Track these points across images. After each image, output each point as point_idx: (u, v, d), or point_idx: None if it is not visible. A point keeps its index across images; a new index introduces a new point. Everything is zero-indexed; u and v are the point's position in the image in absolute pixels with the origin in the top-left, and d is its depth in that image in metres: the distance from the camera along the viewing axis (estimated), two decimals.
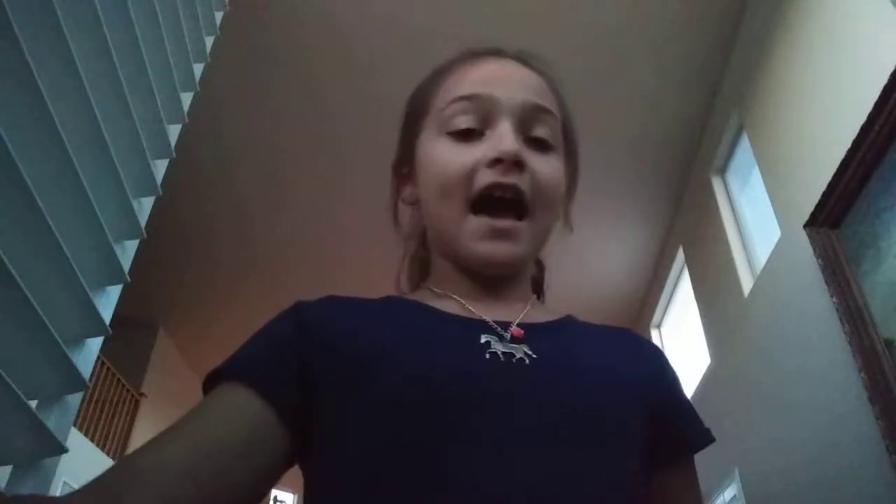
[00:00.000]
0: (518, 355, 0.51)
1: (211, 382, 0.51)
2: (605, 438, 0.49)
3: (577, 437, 0.47)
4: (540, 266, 0.69)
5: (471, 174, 0.56)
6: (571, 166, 0.65)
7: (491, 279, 0.59)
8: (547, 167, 0.58)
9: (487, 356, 0.50)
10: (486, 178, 0.55)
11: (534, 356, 0.51)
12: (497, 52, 0.64)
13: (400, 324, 0.54)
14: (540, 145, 0.58)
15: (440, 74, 0.64)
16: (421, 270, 0.67)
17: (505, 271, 0.59)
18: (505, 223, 0.55)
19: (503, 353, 0.51)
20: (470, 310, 0.56)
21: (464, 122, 0.58)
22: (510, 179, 0.55)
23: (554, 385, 0.50)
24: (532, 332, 0.54)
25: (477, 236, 0.56)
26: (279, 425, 0.48)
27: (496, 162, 0.55)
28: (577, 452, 0.47)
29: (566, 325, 0.60)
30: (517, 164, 0.55)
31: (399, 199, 0.67)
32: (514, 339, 0.53)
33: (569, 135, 0.65)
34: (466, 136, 0.57)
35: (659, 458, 0.53)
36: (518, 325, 0.54)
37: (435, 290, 0.61)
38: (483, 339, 0.52)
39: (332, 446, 0.48)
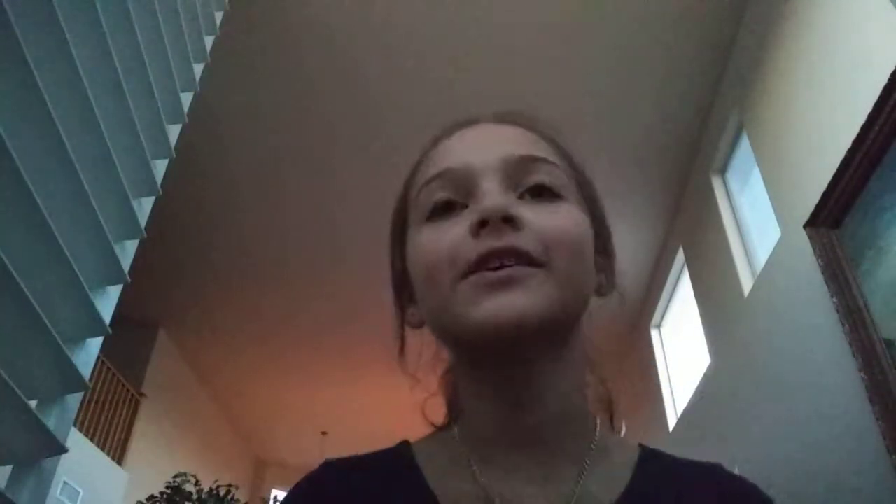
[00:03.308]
0: None
1: None
2: None
3: None
4: (604, 387, 0.53)
5: (454, 251, 0.43)
6: (597, 225, 0.52)
7: (524, 408, 0.44)
8: (556, 217, 0.44)
9: None
10: (471, 252, 0.42)
11: None
12: (471, 122, 0.53)
13: None
14: (542, 196, 0.46)
15: (415, 167, 0.53)
16: (449, 405, 0.54)
17: (520, 341, 0.42)
18: (506, 271, 0.41)
19: None
20: (486, 497, 0.43)
21: (440, 196, 0.47)
22: (504, 242, 0.42)
23: None
24: None
25: (471, 297, 0.41)
26: None
27: (482, 226, 0.42)
28: None
29: (637, 497, 0.44)
30: (508, 221, 0.42)
31: (405, 323, 0.54)
32: None
33: (584, 185, 0.52)
34: (447, 212, 0.46)
35: None
36: None
37: (457, 438, 0.49)
38: None
39: None
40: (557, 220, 0.44)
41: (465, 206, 0.45)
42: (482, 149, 0.48)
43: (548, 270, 0.42)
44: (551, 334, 0.43)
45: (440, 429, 0.53)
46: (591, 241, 0.47)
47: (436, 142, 0.53)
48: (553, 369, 0.45)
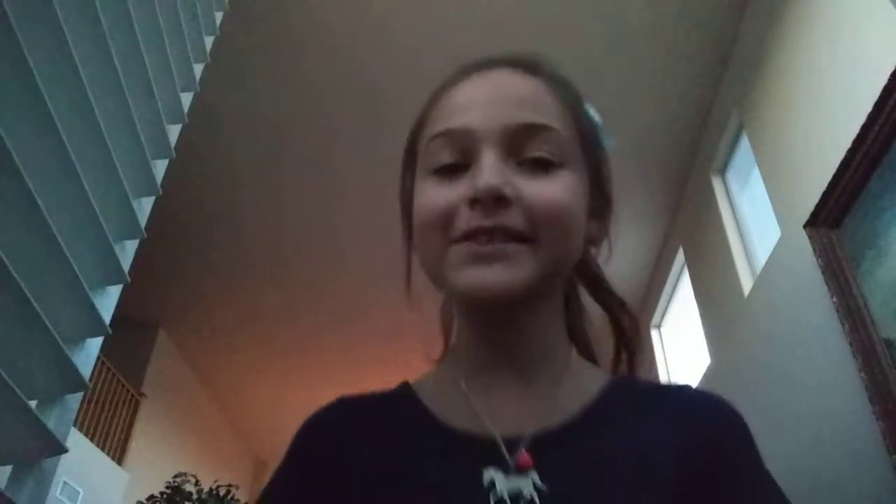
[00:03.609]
0: (526, 494, 0.44)
1: None
2: None
3: None
4: (577, 309, 0.59)
5: (449, 216, 0.47)
6: (597, 179, 0.55)
7: (507, 341, 0.51)
8: (547, 190, 0.48)
9: None
10: (465, 222, 0.47)
11: (544, 488, 0.45)
12: (483, 65, 0.54)
13: (395, 464, 0.50)
14: (540, 166, 0.49)
15: (427, 108, 0.56)
16: (445, 334, 0.60)
17: (503, 306, 0.48)
18: (491, 248, 0.46)
19: (510, 495, 0.44)
20: (479, 415, 0.50)
21: (444, 157, 0.50)
22: (492, 221, 0.46)
23: None
24: (548, 450, 0.47)
25: (459, 265, 0.47)
26: None
27: (474, 202, 0.46)
28: None
29: (595, 415, 0.50)
30: (499, 201, 0.46)
31: (412, 253, 0.57)
32: (522, 468, 0.46)
33: (587, 143, 0.54)
34: (452, 171, 0.50)
35: None
36: (534, 439, 0.48)
37: (452, 366, 0.55)
38: (486, 479, 0.45)
39: None
40: (550, 193, 0.48)
41: (468, 167, 0.49)
42: (486, 110, 0.50)
43: (533, 245, 0.47)
44: (531, 298, 0.49)
45: (438, 361, 0.59)
46: (581, 206, 0.51)
47: (446, 87, 0.55)
48: (533, 314, 0.51)
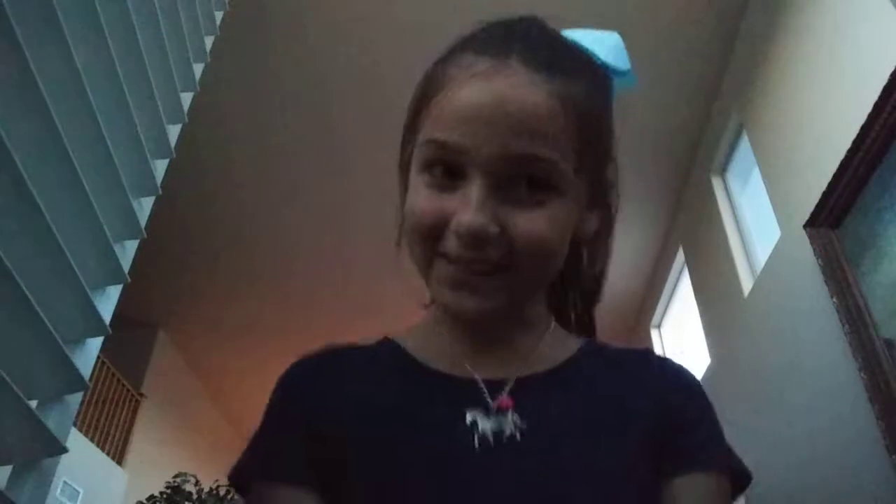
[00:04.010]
0: (507, 431, 0.49)
1: (242, 480, 0.55)
2: None
3: None
4: (561, 286, 0.62)
5: (438, 230, 0.49)
6: (597, 197, 0.56)
7: (490, 325, 0.56)
8: (532, 224, 0.48)
9: (476, 443, 0.49)
10: (450, 246, 0.49)
11: (523, 427, 0.49)
12: (500, 54, 0.50)
13: (383, 405, 0.53)
14: (531, 191, 0.49)
15: (434, 82, 0.54)
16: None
17: (476, 323, 0.54)
18: (471, 278, 0.49)
19: (492, 432, 0.49)
20: (461, 361, 0.54)
21: (436, 170, 0.50)
22: (473, 254, 0.48)
23: (543, 467, 0.48)
24: (527, 394, 0.52)
25: (441, 285, 0.50)
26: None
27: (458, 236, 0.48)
28: None
29: (574, 370, 0.55)
30: (482, 238, 0.47)
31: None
32: (502, 409, 0.50)
33: (591, 150, 0.52)
34: (445, 174, 0.50)
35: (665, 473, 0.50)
36: (515, 384, 0.52)
37: (437, 320, 0.58)
38: (469, 419, 0.50)
39: None
40: (535, 228, 0.48)
41: (464, 177, 0.49)
42: (486, 129, 0.48)
43: (510, 273, 0.49)
44: (509, 314, 0.54)
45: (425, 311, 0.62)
46: (568, 232, 0.53)
47: (453, 75, 0.51)
48: (513, 313, 0.56)
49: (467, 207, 0.47)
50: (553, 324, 0.60)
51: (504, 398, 0.51)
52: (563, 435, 0.50)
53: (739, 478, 0.54)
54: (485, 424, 0.49)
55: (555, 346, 0.57)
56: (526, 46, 0.51)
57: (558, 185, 0.49)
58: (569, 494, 0.47)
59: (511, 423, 0.49)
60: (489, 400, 0.51)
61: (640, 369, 0.57)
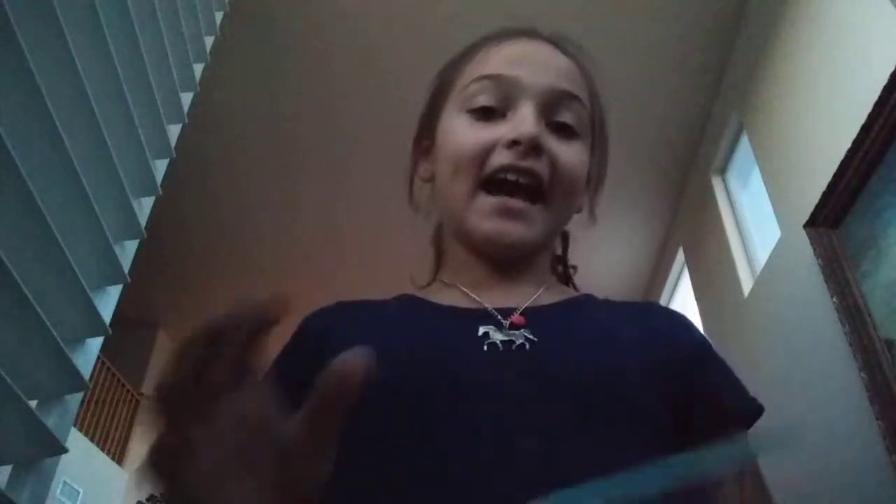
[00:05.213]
0: (518, 341, 0.50)
1: None
2: (611, 417, 0.46)
3: (579, 416, 0.46)
4: (565, 242, 0.68)
5: (485, 153, 0.55)
6: (599, 158, 0.64)
7: (502, 263, 0.58)
8: (569, 154, 0.56)
9: (485, 347, 0.50)
10: (501, 158, 0.54)
11: (535, 339, 0.50)
12: (530, 33, 0.62)
13: (397, 325, 0.55)
14: (564, 131, 0.57)
15: (469, 52, 0.63)
16: (438, 260, 0.67)
17: (512, 253, 0.57)
18: (518, 203, 0.54)
19: (502, 341, 0.50)
20: (475, 299, 0.56)
21: (484, 100, 0.56)
22: (526, 163, 0.53)
23: (555, 365, 0.49)
24: (536, 316, 0.53)
25: (486, 214, 0.54)
26: None
27: (514, 144, 0.53)
28: (579, 433, 0.45)
29: (580, 304, 0.59)
30: (535, 149, 0.53)
31: (416, 174, 0.66)
32: (514, 326, 0.52)
33: (598, 126, 0.63)
34: (487, 114, 0.56)
35: (699, 434, 0.48)
36: (524, 309, 0.54)
37: (445, 280, 0.61)
38: (481, 331, 0.51)
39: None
40: (570, 157, 0.56)
41: (503, 114, 0.56)
42: (533, 69, 0.57)
43: (546, 206, 0.55)
44: (536, 248, 0.59)
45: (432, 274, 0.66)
46: (585, 175, 0.60)
47: (496, 40, 0.61)
48: (531, 255, 0.60)
49: (523, 122, 0.53)
50: (553, 279, 0.64)
51: (516, 316, 0.53)
52: (575, 343, 0.52)
53: (754, 413, 0.54)
54: (496, 336, 0.51)
55: (556, 291, 0.61)
56: (551, 36, 0.63)
57: (581, 130, 0.58)
58: (584, 387, 0.47)
59: (522, 336, 0.51)
60: (501, 320, 0.53)
61: (647, 315, 0.59)
